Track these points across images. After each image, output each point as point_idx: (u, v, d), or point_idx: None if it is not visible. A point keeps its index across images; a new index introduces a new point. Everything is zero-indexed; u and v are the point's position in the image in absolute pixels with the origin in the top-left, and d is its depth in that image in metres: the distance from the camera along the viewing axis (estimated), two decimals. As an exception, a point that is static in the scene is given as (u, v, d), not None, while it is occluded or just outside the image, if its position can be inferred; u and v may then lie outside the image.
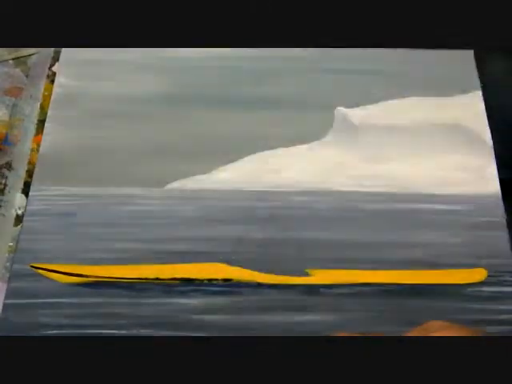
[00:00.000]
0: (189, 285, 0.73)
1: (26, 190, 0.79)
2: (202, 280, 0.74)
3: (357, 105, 0.85)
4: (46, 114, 0.85)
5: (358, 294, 0.73)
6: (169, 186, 0.79)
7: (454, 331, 0.60)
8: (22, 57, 0.90)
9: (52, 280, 0.73)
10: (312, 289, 0.73)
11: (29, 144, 0.83)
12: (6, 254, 0.75)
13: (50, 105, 0.85)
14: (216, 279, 0.74)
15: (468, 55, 0.89)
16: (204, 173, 0.80)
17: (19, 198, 0.79)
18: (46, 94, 0.87)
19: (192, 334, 0.70)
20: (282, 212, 0.78)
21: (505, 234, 0.76)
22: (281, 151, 0.82)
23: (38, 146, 0.83)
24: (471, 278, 0.74)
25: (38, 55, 0.90)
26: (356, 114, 0.85)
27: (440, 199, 0.79)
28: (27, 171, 0.81)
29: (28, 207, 0.78)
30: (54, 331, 0.70)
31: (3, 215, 0.78)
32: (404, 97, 0.86)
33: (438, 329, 0.61)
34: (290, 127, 0.82)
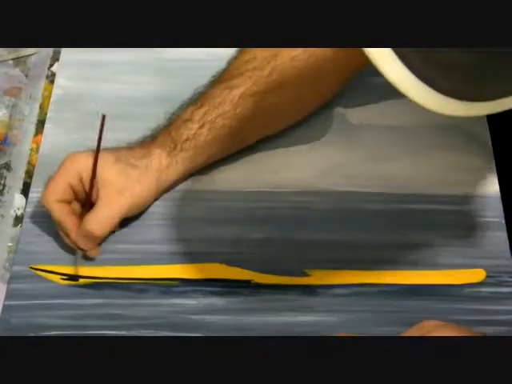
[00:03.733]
0: (188, 285, 0.73)
1: (25, 191, 0.79)
2: (201, 280, 0.74)
3: (356, 105, 0.85)
4: (46, 114, 0.85)
5: (356, 295, 0.73)
6: (168, 186, 0.79)
7: (448, 329, 0.60)
8: (21, 57, 0.90)
9: (51, 281, 0.73)
10: (311, 289, 0.73)
11: (28, 144, 0.83)
12: (5, 255, 0.75)
13: (50, 106, 0.86)
14: (215, 279, 0.74)
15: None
16: (204, 173, 0.80)
17: (18, 199, 0.79)
18: (46, 94, 0.87)
19: (192, 334, 0.70)
20: (281, 212, 0.78)
21: (504, 235, 0.76)
22: (280, 151, 0.82)
23: (38, 146, 0.83)
24: (470, 279, 0.74)
25: (38, 55, 0.90)
26: (355, 114, 0.85)
27: (440, 199, 0.79)
28: (26, 172, 0.81)
29: (27, 208, 0.78)
30: (54, 332, 0.70)
31: (2, 216, 0.78)
32: (404, 97, 0.85)
33: (433, 328, 0.61)
34: (289, 127, 0.82)
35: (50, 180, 0.73)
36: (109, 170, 0.72)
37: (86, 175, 0.72)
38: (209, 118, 0.75)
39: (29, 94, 0.87)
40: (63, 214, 0.72)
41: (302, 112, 0.81)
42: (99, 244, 0.74)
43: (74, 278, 0.74)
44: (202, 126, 0.75)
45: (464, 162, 0.81)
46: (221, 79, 0.77)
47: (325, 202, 0.79)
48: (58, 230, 0.74)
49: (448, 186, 0.80)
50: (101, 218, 0.72)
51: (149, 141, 0.76)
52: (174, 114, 0.78)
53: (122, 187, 0.72)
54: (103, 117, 0.71)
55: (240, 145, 0.80)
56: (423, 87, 0.48)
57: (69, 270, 0.74)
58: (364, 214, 0.78)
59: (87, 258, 0.74)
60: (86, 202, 0.73)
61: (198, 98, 0.77)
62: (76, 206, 0.74)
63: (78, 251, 0.73)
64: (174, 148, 0.75)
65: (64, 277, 0.74)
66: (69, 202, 0.73)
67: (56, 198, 0.72)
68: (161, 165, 0.74)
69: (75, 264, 0.74)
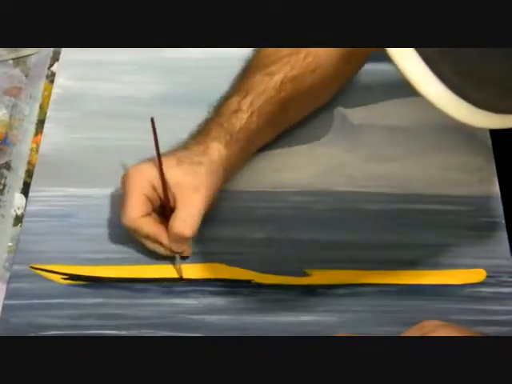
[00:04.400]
0: (188, 285, 0.73)
1: (25, 190, 0.79)
2: (201, 280, 0.74)
3: (357, 105, 0.85)
4: (46, 114, 0.85)
5: (356, 294, 0.73)
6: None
7: (448, 329, 0.60)
8: (21, 57, 0.90)
9: (51, 281, 0.73)
10: (311, 289, 0.73)
11: (28, 144, 0.83)
12: (6, 255, 0.75)
13: (50, 105, 0.86)
14: (215, 279, 0.74)
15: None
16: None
17: (18, 198, 0.79)
18: (46, 94, 0.87)
19: (192, 334, 0.70)
20: (281, 212, 0.78)
21: (504, 235, 0.76)
22: (280, 151, 0.82)
23: (38, 146, 0.83)
24: (470, 279, 0.74)
25: (38, 55, 0.90)
26: (356, 114, 0.85)
27: (440, 199, 0.79)
28: (26, 171, 0.81)
29: (28, 208, 0.78)
30: (54, 332, 0.70)
31: (2, 215, 0.78)
32: (404, 97, 0.86)
33: (433, 328, 0.61)
34: (289, 127, 0.82)
35: (125, 199, 0.72)
36: (176, 173, 0.72)
37: (157, 183, 0.72)
38: (256, 107, 0.76)
39: (29, 93, 0.87)
40: (152, 227, 0.72)
41: (336, 87, 0.84)
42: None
43: (178, 280, 0.74)
44: (251, 115, 0.76)
45: (464, 162, 0.81)
46: (256, 68, 0.79)
47: (325, 202, 0.79)
48: (146, 243, 0.73)
49: (448, 186, 0.80)
50: (186, 219, 0.71)
51: (202, 136, 0.76)
52: (217, 106, 0.78)
53: (196, 185, 0.72)
54: (152, 120, 0.71)
55: (286, 125, 0.81)
56: (458, 101, 0.48)
57: (70, 270, 0.74)
58: (364, 213, 0.78)
59: (183, 258, 0.75)
60: (163, 208, 0.73)
61: (240, 88, 0.78)
62: (154, 215, 0.74)
63: (177, 256, 0.74)
64: (230, 139, 0.75)
65: (64, 276, 0.74)
66: (150, 214, 0.73)
67: (140, 215, 0.71)
68: (221, 156, 0.75)
69: (175, 264, 0.74)
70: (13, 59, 0.90)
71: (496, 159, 0.81)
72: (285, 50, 0.78)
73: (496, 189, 0.79)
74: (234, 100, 0.77)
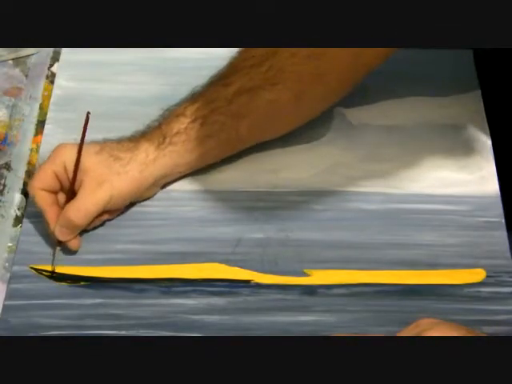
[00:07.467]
0: (188, 285, 0.73)
1: (25, 191, 0.79)
2: (201, 280, 0.74)
3: (356, 104, 0.85)
4: (46, 114, 0.85)
5: (356, 295, 0.73)
6: (168, 187, 0.79)
7: (443, 327, 0.60)
8: (21, 57, 0.90)
9: (51, 281, 0.73)
10: (311, 289, 0.73)
11: (28, 144, 0.83)
12: (6, 255, 0.75)
13: (50, 106, 0.86)
14: (215, 279, 0.74)
15: (468, 55, 0.89)
16: (203, 173, 0.80)
17: (18, 199, 0.79)
18: (46, 94, 0.87)
19: (191, 334, 0.70)
20: (280, 212, 0.78)
21: (504, 235, 0.76)
22: (280, 151, 0.82)
23: (38, 146, 0.83)
24: (470, 279, 0.74)
25: (38, 55, 0.90)
26: (355, 114, 0.85)
27: (439, 199, 0.79)
28: (26, 172, 0.81)
29: (28, 208, 0.78)
30: (54, 332, 0.70)
31: (2, 216, 0.78)
32: (403, 97, 0.86)
33: (429, 325, 0.61)
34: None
35: (37, 168, 0.75)
36: (91, 160, 0.73)
37: (70, 165, 0.73)
38: (201, 113, 0.75)
39: (29, 94, 0.87)
40: (45, 203, 0.73)
41: (300, 115, 0.80)
42: (79, 235, 0.74)
43: (53, 274, 0.73)
44: (193, 121, 0.75)
45: (464, 162, 0.81)
46: (219, 77, 0.77)
47: (324, 202, 0.79)
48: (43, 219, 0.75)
49: (448, 186, 0.80)
50: (80, 207, 0.72)
51: (139, 135, 0.76)
52: (167, 110, 0.78)
53: (102, 179, 0.73)
54: (87, 114, 0.75)
55: (237, 145, 0.79)
56: None
57: (69, 270, 0.74)
58: (363, 213, 0.78)
59: (67, 252, 0.74)
60: (69, 191, 0.74)
61: (194, 95, 0.77)
62: (62, 197, 0.74)
63: (57, 248, 0.74)
64: (163, 141, 0.75)
65: (64, 277, 0.74)
66: (54, 192, 0.74)
67: (40, 186, 0.73)
68: (147, 158, 0.74)
69: (53, 259, 0.74)
70: (13, 59, 0.90)
71: (496, 159, 0.81)
72: (249, 62, 0.75)
73: (495, 189, 0.79)
74: (183, 105, 0.76)
